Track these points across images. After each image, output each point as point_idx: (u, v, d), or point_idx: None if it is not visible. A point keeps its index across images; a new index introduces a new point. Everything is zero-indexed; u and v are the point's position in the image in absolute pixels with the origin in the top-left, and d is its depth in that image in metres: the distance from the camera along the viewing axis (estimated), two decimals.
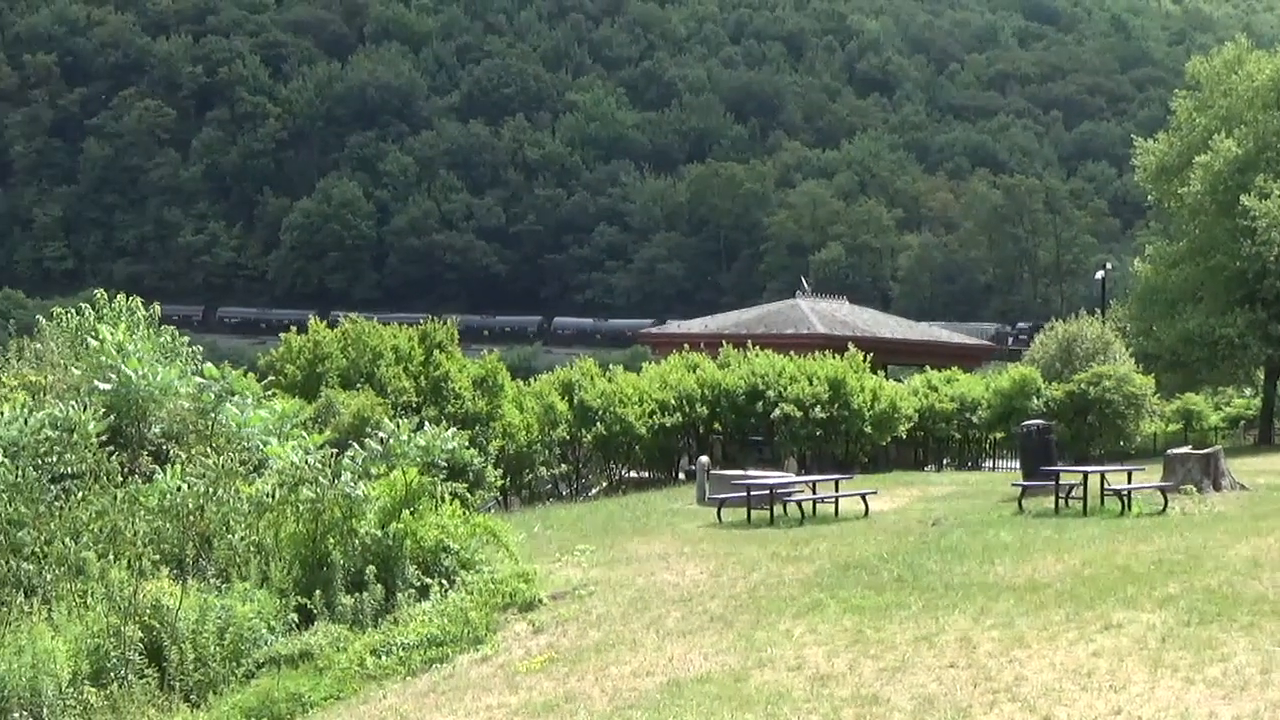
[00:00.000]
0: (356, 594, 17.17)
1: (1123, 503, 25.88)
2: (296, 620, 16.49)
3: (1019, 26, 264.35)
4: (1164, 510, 25.65)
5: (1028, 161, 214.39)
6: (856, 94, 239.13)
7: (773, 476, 30.75)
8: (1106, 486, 26.84)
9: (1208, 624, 14.80)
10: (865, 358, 44.62)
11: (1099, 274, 76.87)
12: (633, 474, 41.23)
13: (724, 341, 46.66)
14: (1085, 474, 27.38)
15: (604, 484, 40.33)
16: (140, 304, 26.14)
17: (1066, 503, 26.65)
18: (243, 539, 17.37)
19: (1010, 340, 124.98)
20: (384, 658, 15.86)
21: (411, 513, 18.58)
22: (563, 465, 38.89)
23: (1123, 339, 52.87)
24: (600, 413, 38.65)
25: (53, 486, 16.41)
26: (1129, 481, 27.37)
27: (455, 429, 22.28)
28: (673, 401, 40.35)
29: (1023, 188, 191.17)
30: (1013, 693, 12.67)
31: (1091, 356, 47.60)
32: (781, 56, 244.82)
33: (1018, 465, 35.16)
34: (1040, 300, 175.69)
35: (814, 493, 28.66)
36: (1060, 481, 27.08)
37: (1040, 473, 28.46)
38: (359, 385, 31.82)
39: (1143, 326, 59.61)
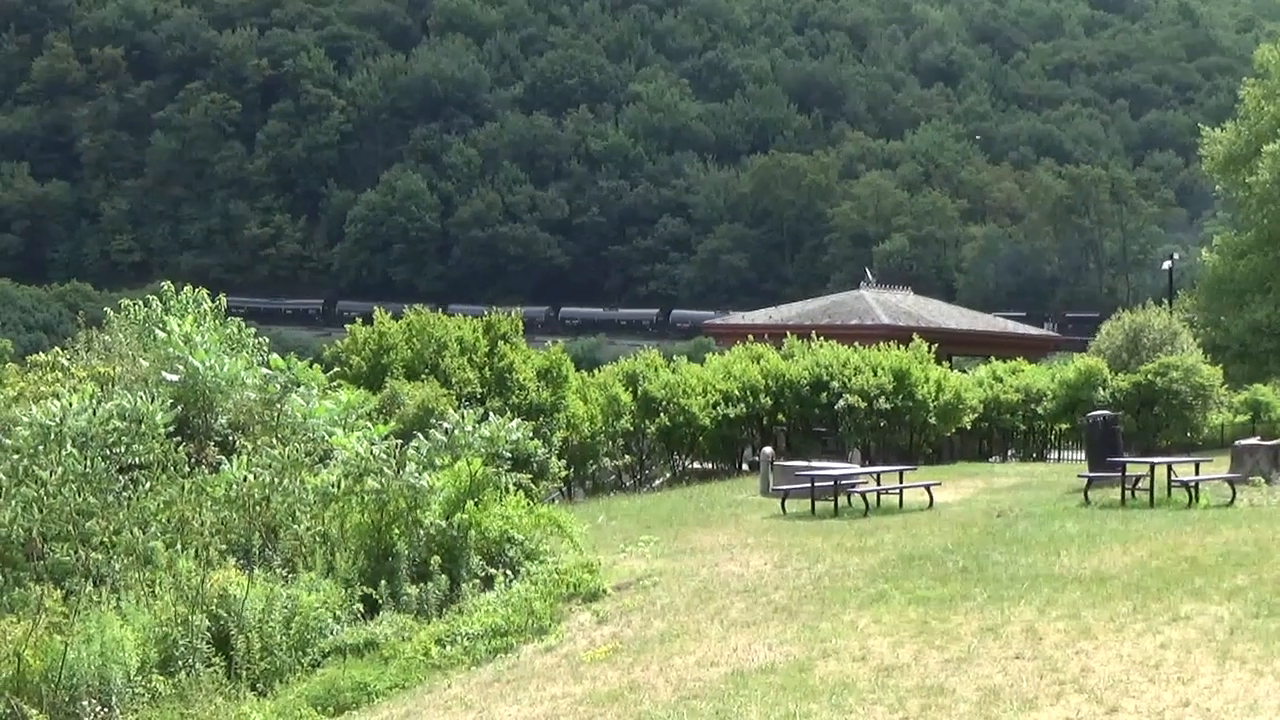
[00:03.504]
0: (421, 584, 17.26)
1: (1190, 494, 25.69)
2: (362, 610, 16.59)
3: (1085, 15, 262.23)
4: (1232, 502, 25.46)
5: (1093, 151, 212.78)
6: (920, 84, 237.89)
7: (837, 468, 30.69)
8: (1174, 478, 26.66)
9: (1277, 615, 14.69)
10: (930, 348, 44.45)
11: (1166, 264, 76.34)
12: (696, 465, 41.24)
13: (788, 332, 46.56)
14: (1152, 465, 27.21)
15: (668, 475, 40.35)
16: (207, 295, 26.33)
17: (1133, 494, 26.50)
18: (308, 529, 17.48)
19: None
20: (449, 647, 15.93)
21: (476, 503, 18.65)
22: (626, 456, 38.98)
23: (1190, 329, 52.37)
24: (664, 404, 38.68)
25: (121, 477, 16.51)
26: (1196, 473, 27.17)
27: (519, 420, 22.32)
28: (736, 392, 40.30)
29: (1088, 178, 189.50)
30: (1079, 684, 12.60)
31: (1159, 347, 47.17)
32: (845, 47, 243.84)
33: (1083, 457, 34.89)
34: (1106, 290, 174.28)
35: (878, 484, 28.58)
36: (1127, 473, 26.91)
37: (1106, 464, 28.26)
38: (424, 376, 31.93)
39: (1210, 317, 59.13)
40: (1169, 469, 27.04)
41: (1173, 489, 26.38)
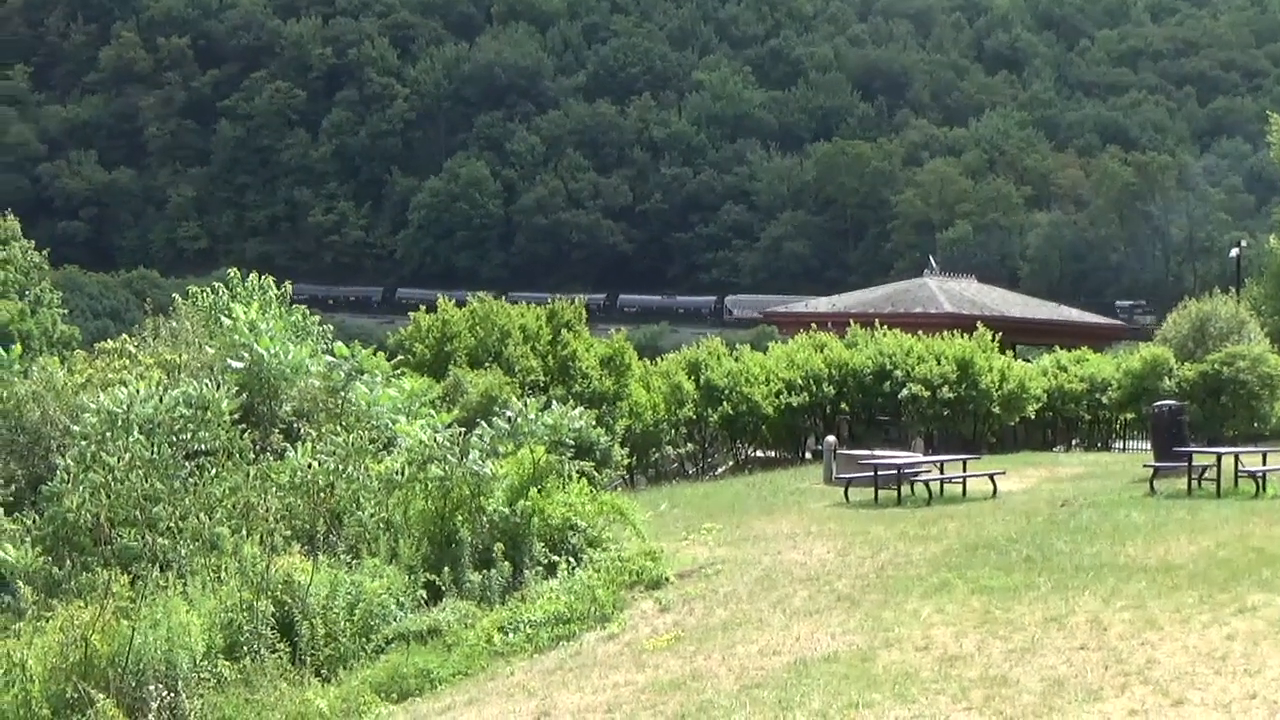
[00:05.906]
0: (484, 571, 17.30)
1: (1257, 484, 25.49)
2: (425, 597, 16.66)
3: (1151, 1, 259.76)
4: None
5: (1160, 138, 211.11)
6: (985, 71, 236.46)
7: (900, 456, 30.59)
8: (1240, 468, 26.44)
9: None
10: (993, 337, 44.21)
11: (1233, 252, 75.58)
12: (759, 453, 41.17)
13: (851, 321, 46.38)
14: (1219, 455, 26.98)
15: (730, 463, 40.30)
16: (272, 283, 26.51)
17: (1199, 484, 26.27)
18: (372, 516, 17.56)
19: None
20: (511, 635, 15.97)
21: (539, 491, 18.68)
22: (689, 444, 38.92)
23: (1258, 318, 51.78)
24: (727, 392, 38.61)
25: (187, 463, 16.65)
26: (1264, 463, 26.93)
27: (582, 408, 22.35)
28: (799, 381, 40.20)
29: (1154, 165, 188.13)
30: (1144, 675, 12.53)
31: (1225, 336, 46.65)
32: (909, 34, 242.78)
33: (1148, 446, 34.62)
34: (1172, 279, 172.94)
35: (941, 473, 28.47)
36: (1193, 462, 26.69)
37: (1172, 454, 28.03)
38: (487, 364, 32.01)
39: (1278, 305, 58.53)
40: (1236, 459, 26.83)
41: (1239, 479, 26.17)
